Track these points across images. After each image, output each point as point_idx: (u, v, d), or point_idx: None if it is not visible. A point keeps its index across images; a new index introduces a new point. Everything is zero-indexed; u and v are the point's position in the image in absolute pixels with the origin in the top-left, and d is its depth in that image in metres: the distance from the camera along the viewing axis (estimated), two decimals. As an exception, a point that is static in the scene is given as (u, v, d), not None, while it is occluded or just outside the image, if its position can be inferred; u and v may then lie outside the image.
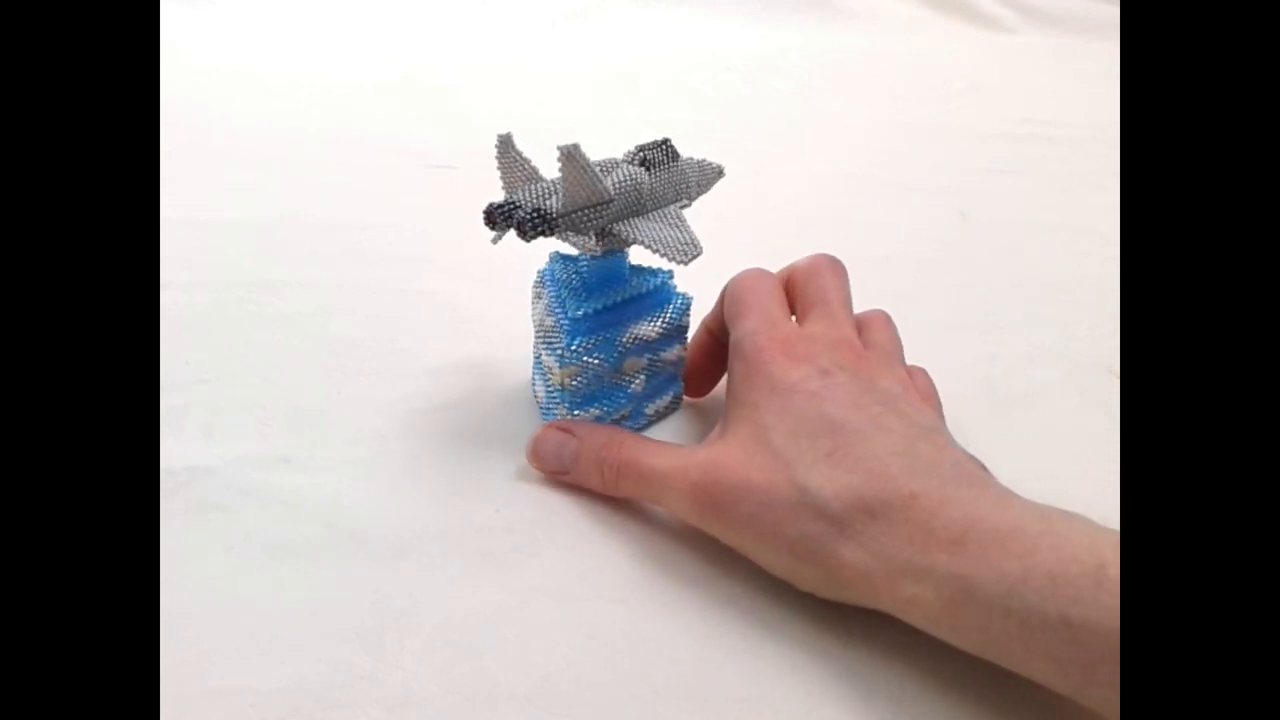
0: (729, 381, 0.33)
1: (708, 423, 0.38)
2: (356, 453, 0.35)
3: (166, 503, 0.32)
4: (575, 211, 0.31)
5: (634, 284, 0.35)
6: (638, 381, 0.36)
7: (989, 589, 0.24)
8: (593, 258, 0.33)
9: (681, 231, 0.32)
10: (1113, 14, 0.99)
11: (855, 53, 0.94)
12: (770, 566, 0.29)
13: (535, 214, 0.30)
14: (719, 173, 0.36)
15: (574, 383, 0.34)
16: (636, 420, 0.37)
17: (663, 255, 0.31)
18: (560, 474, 0.34)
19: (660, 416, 0.38)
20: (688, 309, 0.36)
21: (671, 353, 0.36)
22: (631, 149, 0.34)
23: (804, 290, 0.34)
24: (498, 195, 0.34)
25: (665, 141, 0.34)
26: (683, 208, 0.34)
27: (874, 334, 0.34)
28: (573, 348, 0.33)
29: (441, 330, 0.43)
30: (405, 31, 0.91)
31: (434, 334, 0.43)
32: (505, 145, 0.31)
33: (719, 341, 0.37)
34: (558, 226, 0.31)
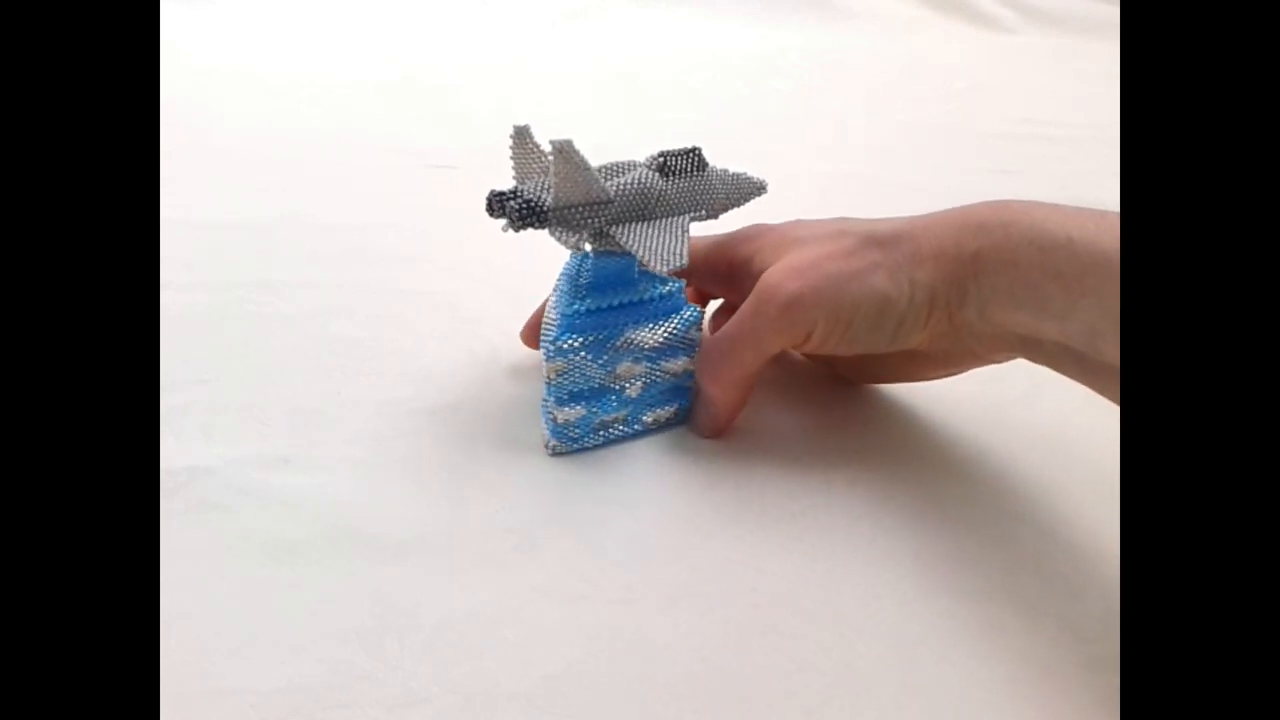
0: (737, 259, 0.36)
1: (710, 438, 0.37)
2: (356, 453, 0.35)
3: (166, 503, 0.32)
4: (570, 208, 0.31)
5: (640, 288, 0.35)
6: (633, 387, 0.36)
7: (1021, 226, 0.30)
8: (599, 257, 0.33)
9: (676, 241, 0.32)
10: (1113, 14, 1.00)
11: (855, 53, 0.94)
12: (871, 304, 0.32)
13: (526, 205, 0.31)
14: (759, 188, 0.36)
15: (559, 378, 0.34)
16: (632, 426, 0.37)
17: (645, 261, 0.31)
18: (716, 423, 0.36)
19: (661, 427, 0.37)
20: (697, 323, 0.36)
21: (676, 364, 0.36)
22: (654, 153, 0.34)
23: None
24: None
25: (694, 150, 0.33)
26: (700, 219, 0.34)
27: None
28: (559, 343, 0.33)
29: (441, 330, 0.43)
30: (405, 31, 0.91)
31: (434, 334, 0.43)
32: (522, 135, 0.32)
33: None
34: (548, 220, 0.31)
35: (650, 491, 0.34)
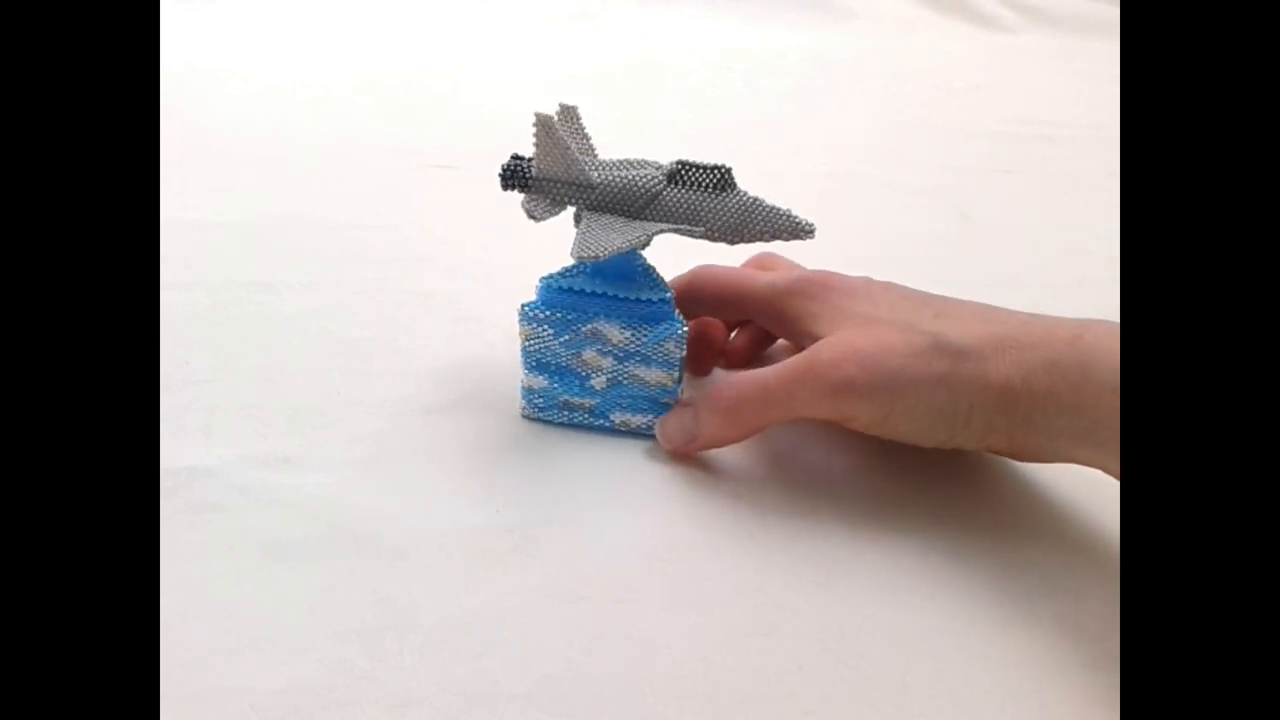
0: (792, 315, 0.35)
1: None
2: (356, 453, 0.35)
3: (166, 503, 0.32)
4: (554, 182, 0.33)
5: (634, 287, 0.34)
6: (598, 379, 0.36)
7: (1100, 368, 0.28)
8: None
9: (612, 236, 0.32)
10: (1113, 14, 1.00)
11: (855, 53, 0.94)
12: (921, 415, 0.31)
13: (515, 167, 0.33)
14: (797, 229, 0.33)
15: (528, 343, 0.35)
16: (598, 419, 0.37)
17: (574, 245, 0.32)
18: (690, 444, 0.35)
19: (631, 431, 0.37)
20: (675, 338, 0.34)
21: (649, 373, 0.35)
22: (674, 161, 0.34)
23: (772, 266, 0.40)
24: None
25: (719, 168, 0.33)
26: (694, 236, 0.33)
27: None
28: (527, 309, 0.35)
29: (441, 330, 0.43)
30: (405, 31, 0.91)
31: (434, 334, 0.43)
32: (568, 112, 0.34)
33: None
34: (529, 187, 0.33)
35: (651, 492, 0.34)
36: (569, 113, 0.34)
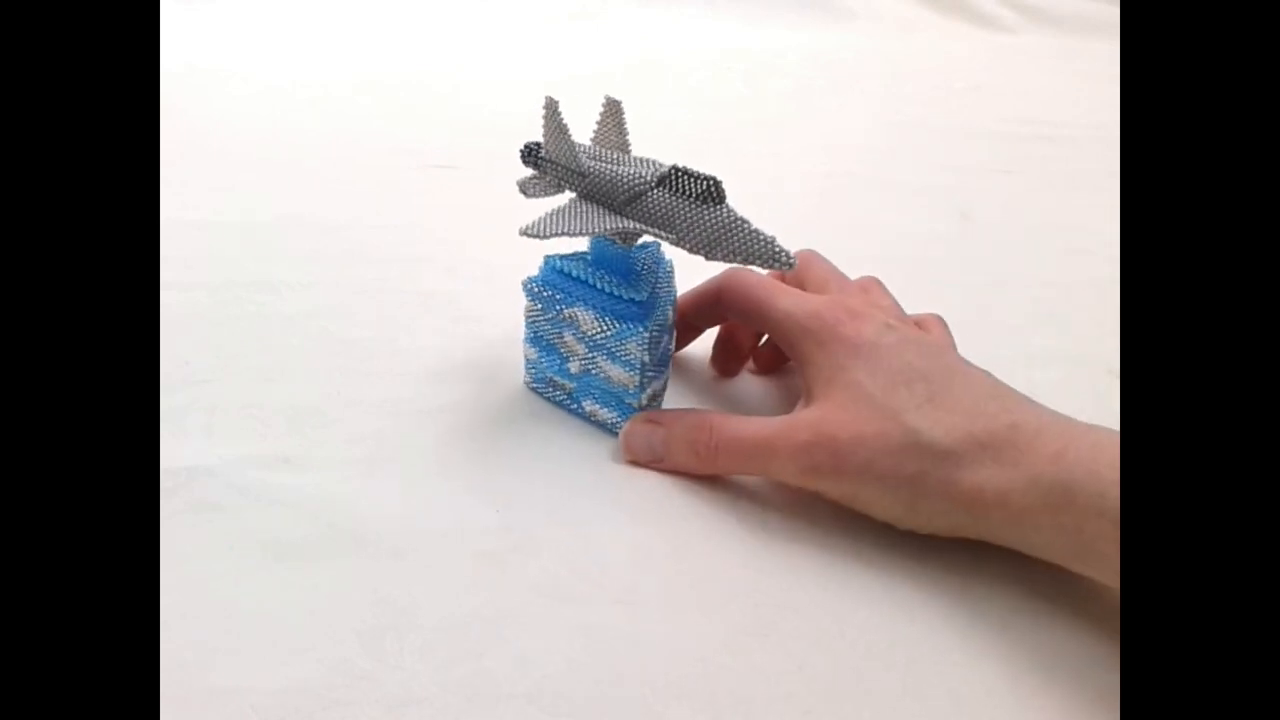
0: (799, 355, 0.34)
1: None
2: (356, 453, 0.35)
3: (166, 503, 0.32)
4: (556, 163, 0.34)
5: (619, 282, 0.35)
6: (574, 363, 0.36)
7: (1086, 491, 0.27)
8: (598, 239, 0.35)
9: (572, 224, 0.33)
10: (1113, 14, 0.99)
11: (855, 53, 0.94)
12: (887, 507, 0.31)
13: (533, 147, 0.35)
14: (774, 257, 0.31)
15: (528, 315, 0.37)
16: (574, 404, 0.37)
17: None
18: (654, 463, 0.35)
19: (597, 424, 0.37)
20: (638, 341, 0.34)
21: (613, 370, 0.35)
22: (670, 165, 0.33)
23: (805, 276, 0.37)
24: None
25: (708, 179, 0.32)
26: (666, 240, 0.32)
27: (881, 298, 0.36)
28: (527, 280, 0.36)
29: (441, 330, 0.43)
30: (405, 31, 0.91)
31: (434, 334, 0.43)
32: (612, 107, 0.35)
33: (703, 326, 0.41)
34: (540, 164, 0.35)
35: (651, 492, 0.34)
36: (614, 106, 0.35)
